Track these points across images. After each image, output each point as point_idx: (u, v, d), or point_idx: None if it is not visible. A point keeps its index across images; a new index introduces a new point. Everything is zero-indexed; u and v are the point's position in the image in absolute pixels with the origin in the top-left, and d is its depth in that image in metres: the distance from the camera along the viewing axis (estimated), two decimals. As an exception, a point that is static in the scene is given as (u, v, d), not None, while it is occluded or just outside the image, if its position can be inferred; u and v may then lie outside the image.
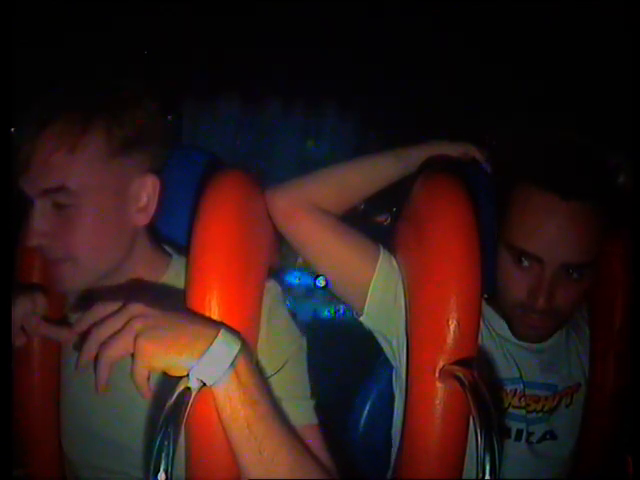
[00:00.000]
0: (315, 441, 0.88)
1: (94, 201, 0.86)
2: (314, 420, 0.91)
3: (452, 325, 0.90)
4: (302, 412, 0.90)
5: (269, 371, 0.90)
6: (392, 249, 1.08)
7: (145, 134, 0.90)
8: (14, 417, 0.92)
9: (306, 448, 0.83)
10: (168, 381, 0.73)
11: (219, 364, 0.73)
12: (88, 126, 0.85)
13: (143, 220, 0.93)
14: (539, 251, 0.99)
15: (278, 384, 0.88)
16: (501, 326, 1.10)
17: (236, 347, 0.75)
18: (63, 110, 0.85)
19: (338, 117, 4.01)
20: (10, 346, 0.83)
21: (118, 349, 0.71)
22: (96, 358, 0.72)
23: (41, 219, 0.86)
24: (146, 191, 0.92)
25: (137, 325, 0.72)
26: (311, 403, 0.93)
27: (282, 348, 0.92)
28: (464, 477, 0.93)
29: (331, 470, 0.88)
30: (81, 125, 0.85)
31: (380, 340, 1.10)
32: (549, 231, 0.98)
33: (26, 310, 0.83)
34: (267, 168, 3.99)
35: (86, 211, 0.86)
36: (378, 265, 1.04)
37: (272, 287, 0.95)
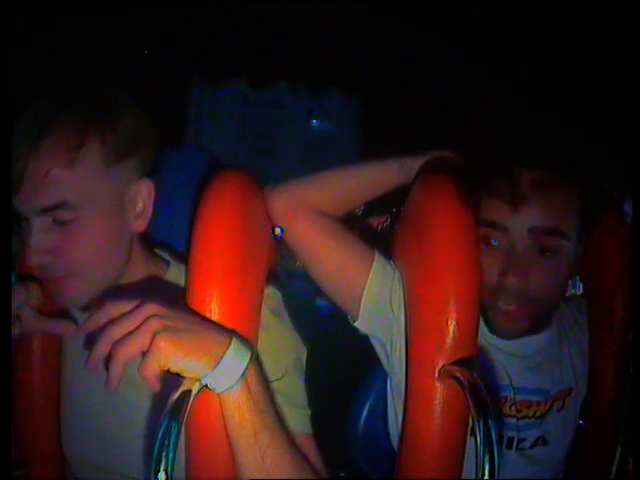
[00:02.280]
0: (310, 449, 0.88)
1: (94, 213, 0.86)
2: (309, 429, 0.91)
3: (451, 326, 0.90)
4: (299, 420, 0.90)
5: (268, 378, 0.89)
6: (391, 250, 1.08)
7: (137, 140, 0.90)
8: (14, 417, 0.92)
9: (304, 457, 0.84)
10: (169, 380, 0.73)
11: (232, 373, 0.73)
12: (83, 138, 0.84)
13: (141, 226, 0.92)
14: (505, 218, 0.99)
15: (276, 391, 0.88)
16: (488, 333, 1.09)
17: (247, 356, 0.75)
18: (54, 125, 0.84)
19: (342, 98, 4.04)
20: (10, 345, 0.83)
21: (134, 347, 0.70)
22: (108, 356, 0.71)
23: (41, 237, 0.85)
24: (142, 196, 0.91)
25: (155, 324, 0.71)
26: (308, 412, 0.92)
27: (281, 357, 0.92)
28: (464, 477, 0.94)
29: (324, 478, 0.88)
30: (76, 138, 0.84)
31: (374, 344, 1.10)
32: (513, 198, 0.99)
33: (19, 301, 0.83)
34: (273, 148, 4.03)
35: (87, 224, 0.86)
36: (372, 269, 1.04)
37: (272, 294, 0.95)
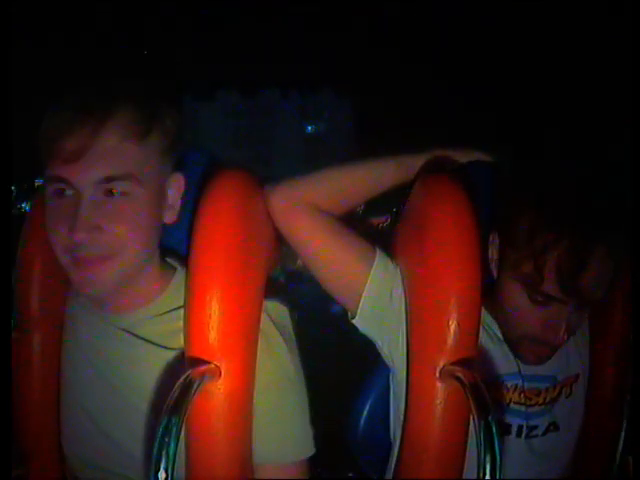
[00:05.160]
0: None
1: (145, 193, 0.88)
2: (312, 451, 0.94)
3: (452, 325, 0.90)
4: (300, 447, 0.93)
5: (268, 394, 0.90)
6: (392, 250, 1.08)
7: (179, 137, 0.94)
8: (14, 417, 0.92)
9: None
10: (169, 380, 0.73)
11: None
12: (154, 119, 0.89)
13: (171, 218, 0.94)
14: (564, 295, 0.95)
15: (277, 408, 0.91)
16: (495, 324, 1.09)
17: None
18: (125, 101, 0.87)
19: (335, 100, 4.09)
20: (10, 345, 0.83)
21: None
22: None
23: (93, 209, 0.84)
24: (173, 189, 0.94)
25: None
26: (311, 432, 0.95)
27: (276, 378, 0.92)
28: (464, 477, 0.93)
29: None
30: (148, 118, 0.88)
31: (374, 342, 1.10)
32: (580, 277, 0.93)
33: None
34: (268, 153, 4.08)
35: (137, 201, 0.87)
36: (373, 268, 1.04)
37: (272, 307, 0.95)
